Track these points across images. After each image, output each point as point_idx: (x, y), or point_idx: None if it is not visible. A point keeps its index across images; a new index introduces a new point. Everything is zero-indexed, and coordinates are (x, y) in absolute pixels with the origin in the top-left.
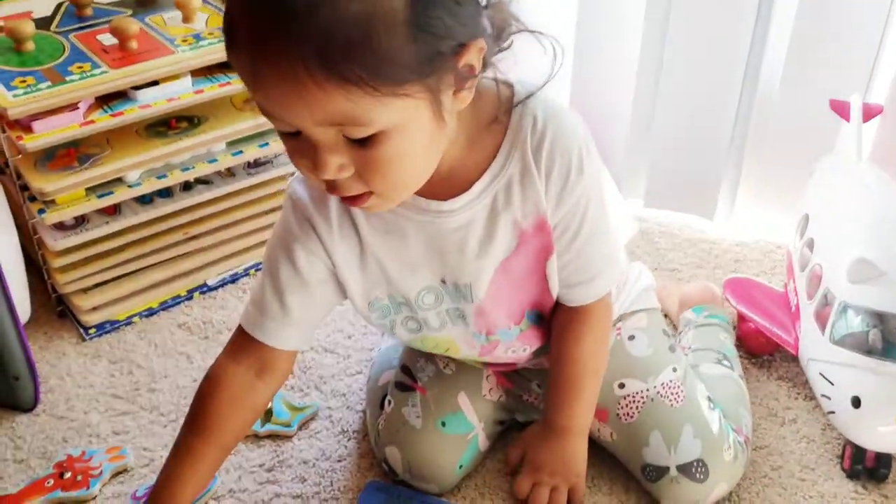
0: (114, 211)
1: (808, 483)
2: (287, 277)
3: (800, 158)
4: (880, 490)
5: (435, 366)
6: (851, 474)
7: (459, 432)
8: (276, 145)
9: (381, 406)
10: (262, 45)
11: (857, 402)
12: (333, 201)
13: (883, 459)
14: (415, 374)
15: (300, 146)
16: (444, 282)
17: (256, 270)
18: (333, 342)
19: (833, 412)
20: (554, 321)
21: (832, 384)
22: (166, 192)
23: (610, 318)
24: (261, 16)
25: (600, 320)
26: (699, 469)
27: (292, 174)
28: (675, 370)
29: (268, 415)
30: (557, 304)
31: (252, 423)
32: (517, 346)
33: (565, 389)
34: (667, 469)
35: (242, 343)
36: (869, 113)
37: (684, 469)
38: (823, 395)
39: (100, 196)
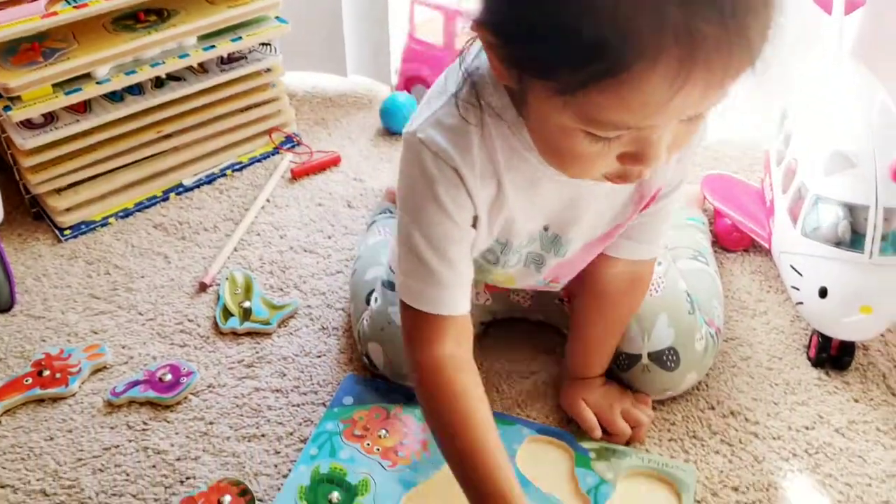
0: (83, 109)
1: (774, 371)
2: (441, 230)
3: (782, 54)
4: (842, 377)
5: None
6: (816, 363)
7: None
8: (250, 40)
9: (367, 301)
10: (713, 41)
11: (823, 293)
12: (476, 150)
13: (846, 348)
14: None
15: (609, 149)
16: (546, 229)
17: (233, 171)
18: (313, 242)
19: (801, 303)
20: (606, 283)
21: (801, 276)
22: (137, 90)
23: (646, 290)
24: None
25: (645, 288)
26: (670, 357)
27: (267, 70)
28: (659, 264)
29: (247, 313)
30: (608, 265)
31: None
32: (558, 286)
33: (599, 351)
34: (639, 357)
35: (423, 326)
36: (851, 5)
37: (656, 357)
38: (793, 287)
39: (67, 93)
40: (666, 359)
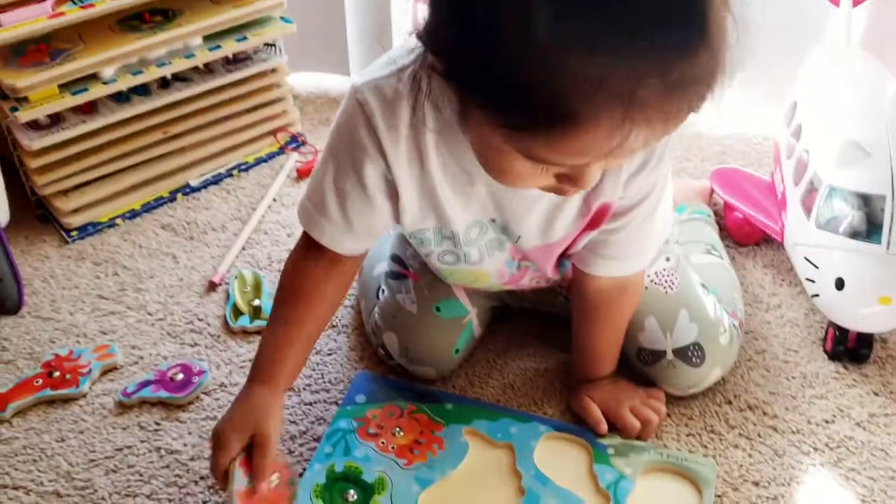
0: (90, 109)
1: (791, 364)
2: (352, 188)
3: (789, 48)
4: (860, 370)
5: None
6: (833, 355)
7: (455, 316)
8: (255, 40)
9: (377, 296)
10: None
11: (840, 284)
12: (403, 122)
13: (864, 340)
14: (406, 261)
15: (547, 171)
16: (493, 220)
17: (240, 171)
18: None
19: (817, 295)
20: (593, 296)
21: (816, 267)
22: (143, 91)
23: (639, 294)
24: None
25: (635, 295)
26: (695, 353)
27: (273, 70)
28: (668, 259)
29: (257, 311)
30: (591, 281)
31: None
32: (542, 278)
33: (602, 356)
34: (663, 353)
35: (309, 244)
36: None
37: (680, 353)
38: (808, 279)
39: (74, 93)
40: (691, 354)
